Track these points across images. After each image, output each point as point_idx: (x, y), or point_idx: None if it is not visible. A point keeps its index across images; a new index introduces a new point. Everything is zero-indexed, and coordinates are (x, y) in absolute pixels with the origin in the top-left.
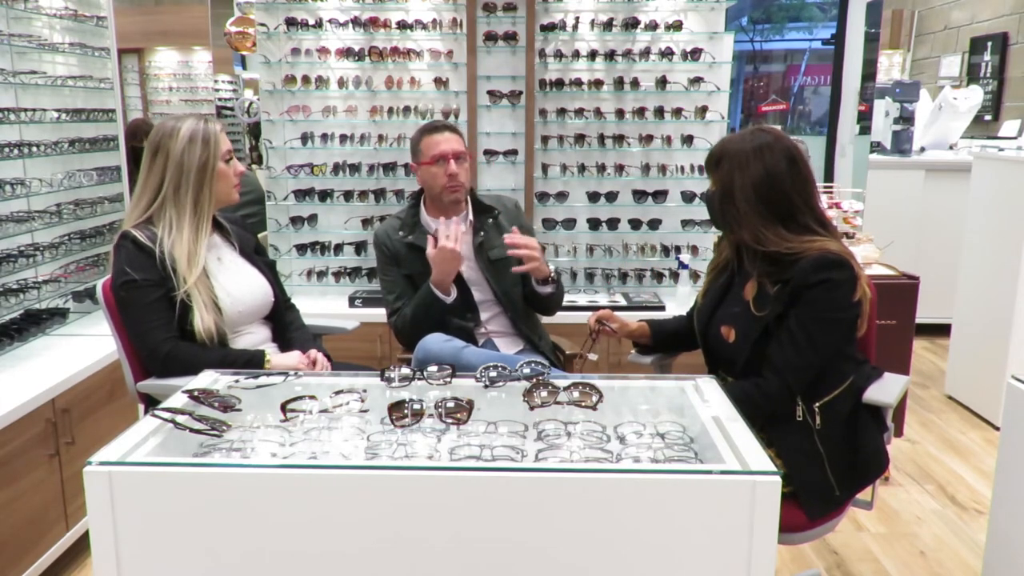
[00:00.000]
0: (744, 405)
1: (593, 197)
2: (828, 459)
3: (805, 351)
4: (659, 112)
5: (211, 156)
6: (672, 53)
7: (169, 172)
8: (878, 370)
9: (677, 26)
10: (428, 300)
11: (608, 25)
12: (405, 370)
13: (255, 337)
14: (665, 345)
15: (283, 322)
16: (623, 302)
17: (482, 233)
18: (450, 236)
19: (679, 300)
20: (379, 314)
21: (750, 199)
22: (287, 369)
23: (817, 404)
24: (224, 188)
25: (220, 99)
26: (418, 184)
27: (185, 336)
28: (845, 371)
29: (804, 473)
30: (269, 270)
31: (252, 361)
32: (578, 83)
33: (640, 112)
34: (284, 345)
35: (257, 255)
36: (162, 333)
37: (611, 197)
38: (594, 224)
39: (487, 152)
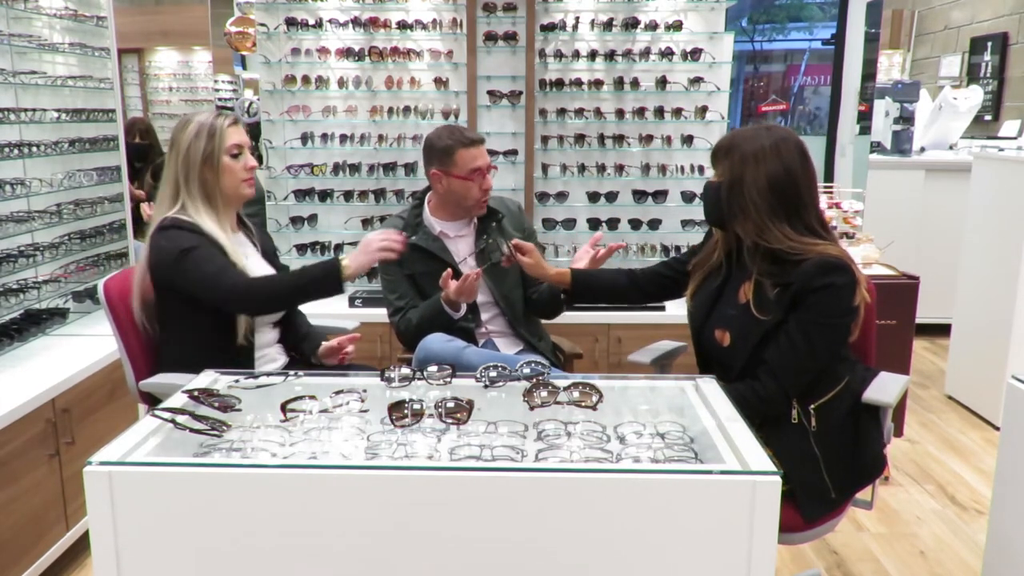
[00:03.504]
0: (739, 408)
1: (593, 197)
2: (824, 461)
3: (804, 355)
4: (659, 112)
5: (215, 149)
6: (672, 53)
7: (179, 165)
8: (872, 370)
9: (677, 26)
10: (436, 313)
11: (608, 25)
12: (405, 370)
13: (263, 338)
14: (592, 296)
15: (292, 325)
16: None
17: (485, 236)
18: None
19: (678, 300)
20: (379, 314)
21: (763, 192)
22: (364, 267)
23: (813, 406)
24: (230, 183)
25: (220, 99)
26: (428, 187)
27: (220, 331)
28: (840, 372)
29: (800, 475)
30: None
31: (329, 274)
32: (578, 83)
33: (640, 112)
34: (292, 347)
35: (273, 257)
36: (235, 272)
37: (611, 197)
38: (594, 224)
39: (487, 152)
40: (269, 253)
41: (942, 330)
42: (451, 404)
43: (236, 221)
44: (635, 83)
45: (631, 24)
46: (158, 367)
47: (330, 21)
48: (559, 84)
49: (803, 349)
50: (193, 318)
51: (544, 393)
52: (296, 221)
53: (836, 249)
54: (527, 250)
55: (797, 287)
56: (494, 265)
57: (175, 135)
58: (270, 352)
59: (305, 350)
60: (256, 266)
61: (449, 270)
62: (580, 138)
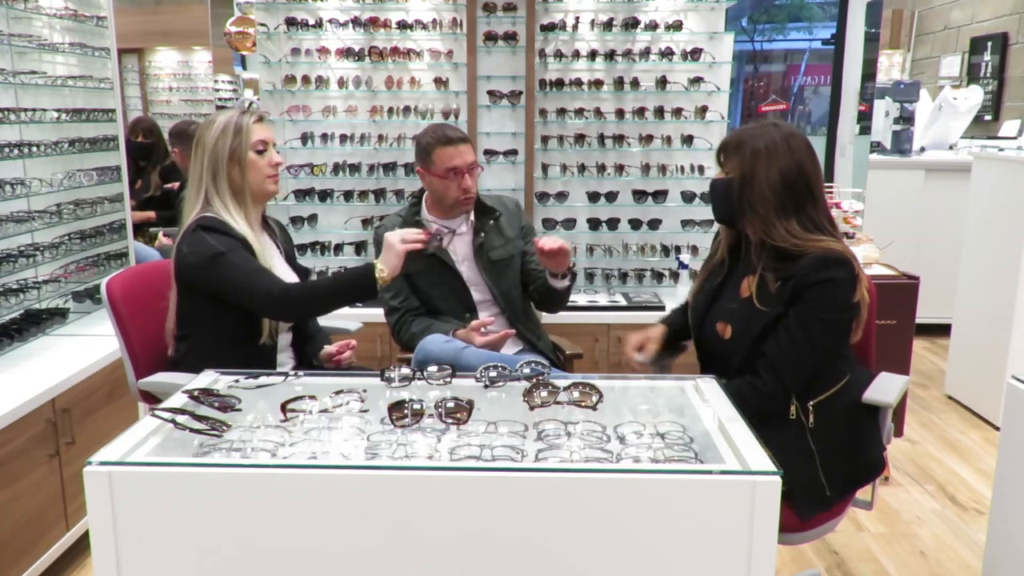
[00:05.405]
0: (738, 403)
1: (593, 197)
2: (821, 459)
3: (804, 350)
4: (659, 112)
5: (241, 145)
6: (672, 53)
7: (206, 162)
8: (871, 374)
9: (677, 26)
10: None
11: (608, 25)
12: (405, 370)
13: (282, 340)
14: (678, 337)
15: (303, 329)
16: (623, 302)
17: (483, 234)
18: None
19: (679, 300)
20: (379, 314)
21: (775, 188)
22: (397, 268)
23: (812, 403)
24: (255, 179)
25: (220, 99)
26: (422, 185)
27: (245, 331)
28: (841, 370)
29: (795, 471)
30: (303, 277)
31: (364, 278)
32: (578, 83)
33: (640, 112)
34: (300, 349)
35: (294, 260)
36: (268, 278)
37: (611, 197)
38: (594, 224)
39: (487, 152)
40: (291, 256)
41: (942, 330)
42: (451, 404)
43: (262, 222)
44: (635, 83)
45: (631, 24)
46: (175, 366)
47: (330, 21)
48: (559, 84)
49: (802, 343)
50: (219, 318)
51: (544, 393)
52: (296, 221)
53: (839, 245)
54: (643, 347)
55: (796, 281)
56: (492, 263)
57: (200, 134)
58: (282, 357)
59: (308, 352)
60: (281, 270)
61: (482, 320)
62: (580, 138)
